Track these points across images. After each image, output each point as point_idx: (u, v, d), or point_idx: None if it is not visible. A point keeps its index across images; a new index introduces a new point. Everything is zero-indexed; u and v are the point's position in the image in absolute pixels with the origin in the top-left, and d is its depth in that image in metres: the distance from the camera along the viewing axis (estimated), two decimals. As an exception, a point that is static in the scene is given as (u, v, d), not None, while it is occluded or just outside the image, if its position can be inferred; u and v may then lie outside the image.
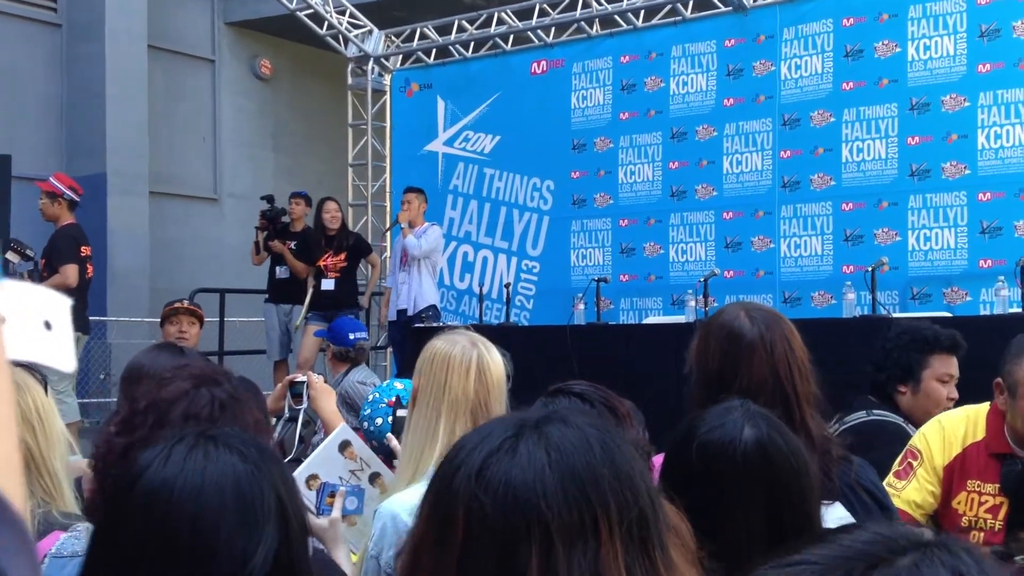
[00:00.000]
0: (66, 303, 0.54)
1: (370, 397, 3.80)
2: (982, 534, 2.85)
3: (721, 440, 1.65)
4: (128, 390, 2.91)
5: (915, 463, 3.00)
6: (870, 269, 6.56)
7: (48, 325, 0.52)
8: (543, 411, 1.12)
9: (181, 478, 1.31)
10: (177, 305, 5.61)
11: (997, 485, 2.88)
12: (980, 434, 2.95)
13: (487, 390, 2.34)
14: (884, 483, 2.68)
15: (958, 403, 3.33)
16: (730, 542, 1.60)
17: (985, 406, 2.97)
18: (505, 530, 0.98)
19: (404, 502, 2.19)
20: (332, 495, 2.60)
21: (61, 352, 0.52)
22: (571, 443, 1.04)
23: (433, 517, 1.04)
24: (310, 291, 8.79)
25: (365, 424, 3.69)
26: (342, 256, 8.74)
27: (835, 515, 2.08)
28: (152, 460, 1.35)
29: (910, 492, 2.97)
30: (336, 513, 2.59)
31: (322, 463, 2.79)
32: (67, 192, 7.53)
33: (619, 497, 1.02)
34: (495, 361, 2.39)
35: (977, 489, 2.91)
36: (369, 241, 10.01)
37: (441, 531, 1.02)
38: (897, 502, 2.79)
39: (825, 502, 2.06)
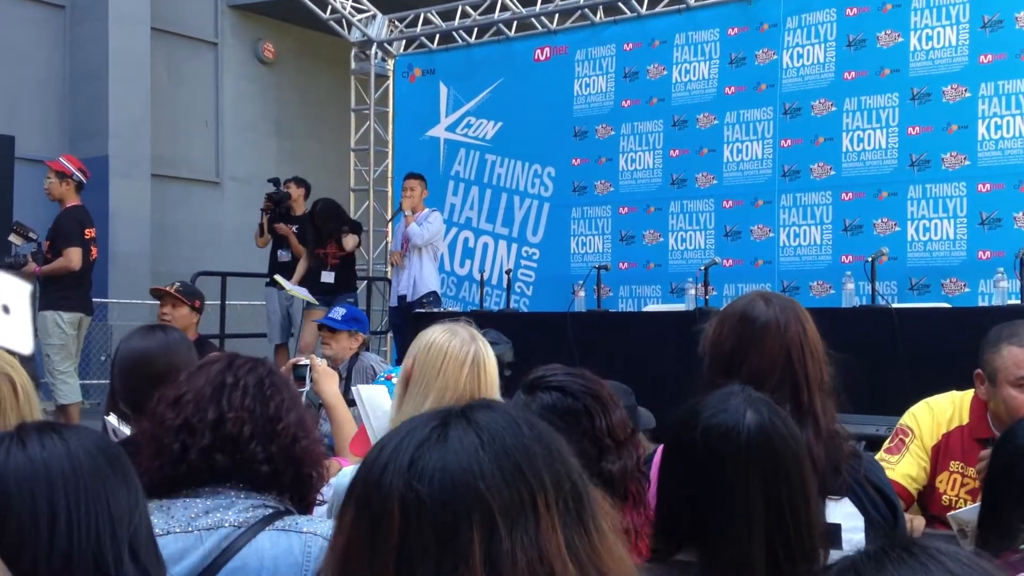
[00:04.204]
0: (26, 289, 0.57)
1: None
2: None
3: (724, 424, 1.69)
4: (124, 375, 2.89)
5: (907, 439, 3.08)
6: (869, 259, 6.58)
7: (6, 309, 0.54)
8: (467, 401, 1.11)
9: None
10: (161, 289, 5.64)
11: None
12: (965, 419, 3.04)
13: (477, 384, 2.41)
14: (876, 457, 2.74)
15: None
16: (731, 524, 1.64)
17: (970, 392, 3.05)
18: (444, 516, 0.97)
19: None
20: None
21: (18, 335, 0.54)
22: (500, 424, 1.04)
23: (362, 518, 1.02)
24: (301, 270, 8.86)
25: None
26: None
27: (844, 511, 2.11)
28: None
29: (905, 466, 3.04)
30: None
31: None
32: (76, 173, 7.55)
33: (553, 472, 1.03)
34: (491, 357, 2.46)
35: (960, 471, 2.99)
36: (372, 225, 9.98)
37: (373, 530, 1.00)
38: (892, 474, 2.85)
39: (834, 497, 2.09)
